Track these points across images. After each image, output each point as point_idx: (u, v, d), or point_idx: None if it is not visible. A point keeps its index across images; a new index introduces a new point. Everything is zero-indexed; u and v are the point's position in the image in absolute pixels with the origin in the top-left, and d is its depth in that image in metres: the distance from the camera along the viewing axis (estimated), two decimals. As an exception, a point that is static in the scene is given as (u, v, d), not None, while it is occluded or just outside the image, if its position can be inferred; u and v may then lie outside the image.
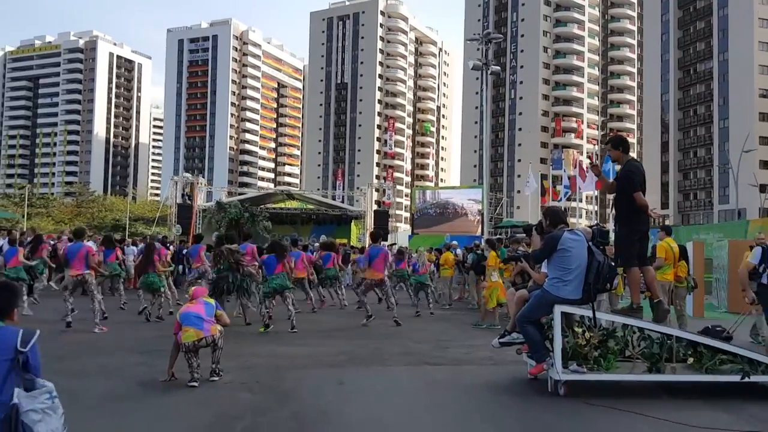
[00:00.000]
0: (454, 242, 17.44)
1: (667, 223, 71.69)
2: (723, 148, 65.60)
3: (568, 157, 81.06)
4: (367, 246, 20.47)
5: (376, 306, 13.06)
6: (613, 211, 6.19)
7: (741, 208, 56.62)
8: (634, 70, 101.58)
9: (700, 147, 72.71)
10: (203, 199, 33.98)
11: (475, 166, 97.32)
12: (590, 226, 6.26)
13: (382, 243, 12.34)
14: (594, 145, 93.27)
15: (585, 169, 29.62)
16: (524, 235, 11.41)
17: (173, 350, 6.00)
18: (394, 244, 23.15)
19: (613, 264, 5.90)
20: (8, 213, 43.22)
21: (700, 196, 72.68)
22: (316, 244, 19.05)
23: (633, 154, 23.65)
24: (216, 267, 10.49)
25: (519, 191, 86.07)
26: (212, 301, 6.16)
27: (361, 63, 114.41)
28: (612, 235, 7.23)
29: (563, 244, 5.63)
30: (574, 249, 5.64)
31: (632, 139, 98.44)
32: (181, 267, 17.70)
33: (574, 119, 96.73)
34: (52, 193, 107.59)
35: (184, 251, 16.58)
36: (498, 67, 17.73)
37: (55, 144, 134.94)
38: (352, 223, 37.44)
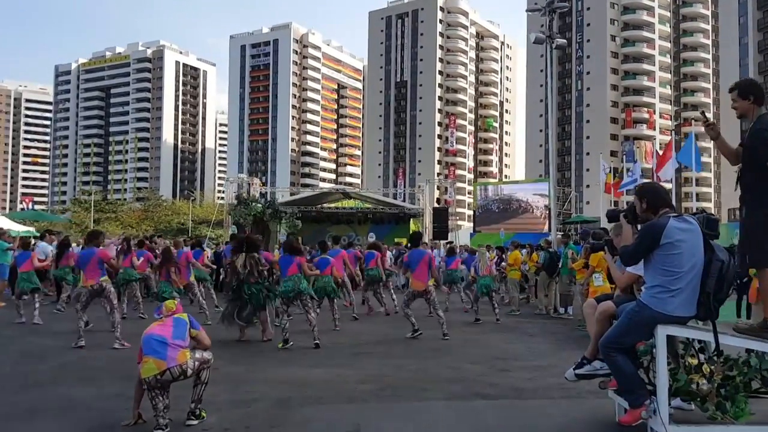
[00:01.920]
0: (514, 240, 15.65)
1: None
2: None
3: (640, 148, 77.38)
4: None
5: (424, 316, 11.38)
6: (738, 188, 4.30)
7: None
8: (709, 57, 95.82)
9: (787, 134, 67.42)
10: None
11: (540, 161, 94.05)
12: (694, 214, 4.50)
13: (425, 246, 10.78)
14: (667, 135, 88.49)
15: (657, 153, 26.65)
16: (596, 228, 9.55)
17: (137, 385, 4.61)
18: (451, 242, 21.39)
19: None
20: (53, 216, 43.67)
21: (786, 185, 67.49)
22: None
23: (709, 145, 20.91)
24: (232, 277, 9.06)
25: (588, 186, 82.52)
26: (185, 317, 4.69)
27: (421, 60, 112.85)
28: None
29: (669, 236, 3.87)
30: (685, 243, 3.88)
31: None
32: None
33: (646, 109, 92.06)
34: (125, 199, 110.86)
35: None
36: (564, 40, 15.72)
37: (126, 151, 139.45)
38: (411, 222, 35.96)
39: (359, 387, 5.87)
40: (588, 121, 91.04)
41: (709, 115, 4.28)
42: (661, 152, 17.71)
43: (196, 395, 4.62)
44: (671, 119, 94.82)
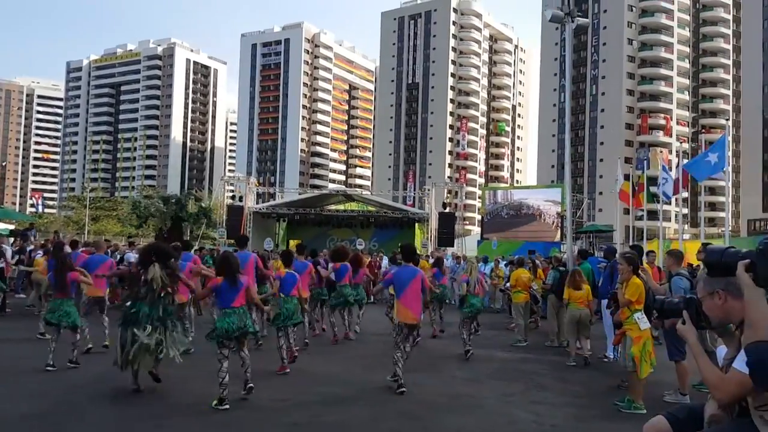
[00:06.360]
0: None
1: (770, 227, 64.45)
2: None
3: (655, 156, 75.03)
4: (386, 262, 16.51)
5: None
6: None
7: None
8: (729, 62, 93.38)
9: (810, 143, 65.09)
10: (253, 201, 31.64)
11: (552, 166, 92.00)
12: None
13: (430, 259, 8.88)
14: (684, 142, 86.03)
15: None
16: (614, 246, 7.60)
17: None
18: (436, 250, 19.63)
19: None
20: (18, 214, 42.08)
21: (811, 197, 65.11)
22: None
23: (729, 153, 18.95)
24: (130, 291, 7.05)
25: (601, 193, 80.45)
26: None
27: (433, 62, 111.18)
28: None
29: None
30: None
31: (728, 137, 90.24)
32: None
33: (662, 115, 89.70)
34: (132, 197, 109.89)
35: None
36: (586, 19, 13.93)
37: (135, 148, 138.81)
38: (416, 227, 34.27)
39: None
40: (602, 127, 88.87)
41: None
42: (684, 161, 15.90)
43: None
44: (688, 126, 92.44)
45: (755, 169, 70.27)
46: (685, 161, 23.01)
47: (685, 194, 72.15)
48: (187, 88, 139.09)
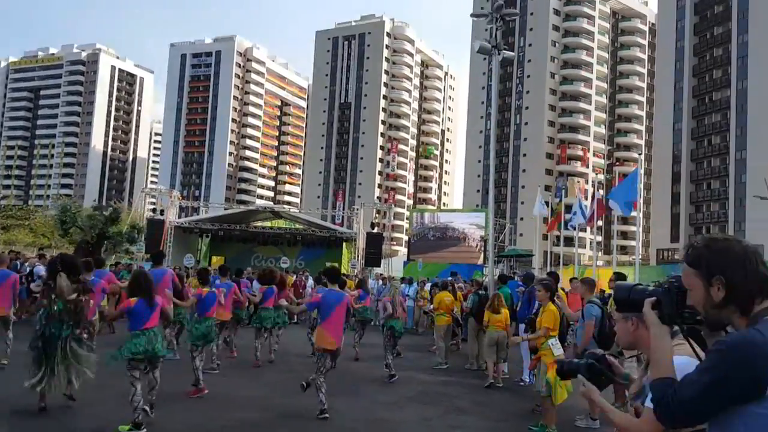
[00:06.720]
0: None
1: (677, 258, 68.28)
2: (740, 180, 62.41)
3: (572, 185, 78.27)
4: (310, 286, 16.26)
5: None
6: None
7: (758, 245, 53.12)
8: (643, 99, 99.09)
9: (714, 179, 69.53)
10: (175, 215, 30.86)
11: (478, 191, 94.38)
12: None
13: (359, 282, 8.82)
14: (599, 173, 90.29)
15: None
16: (533, 272, 7.96)
17: None
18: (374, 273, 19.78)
19: None
20: None
21: (714, 230, 69.38)
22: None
23: (640, 185, 19.87)
24: (44, 309, 6.58)
25: (522, 218, 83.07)
26: None
27: (366, 83, 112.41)
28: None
29: None
30: None
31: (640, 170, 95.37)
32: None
33: (580, 147, 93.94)
34: (47, 206, 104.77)
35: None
36: (512, 52, 14.56)
37: (52, 156, 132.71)
38: (344, 246, 34.31)
39: None
40: (525, 155, 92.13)
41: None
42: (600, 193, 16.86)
43: None
44: (604, 158, 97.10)
45: (665, 201, 74.39)
46: (600, 192, 24.30)
47: (600, 222, 75.27)
48: (110, 95, 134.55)
